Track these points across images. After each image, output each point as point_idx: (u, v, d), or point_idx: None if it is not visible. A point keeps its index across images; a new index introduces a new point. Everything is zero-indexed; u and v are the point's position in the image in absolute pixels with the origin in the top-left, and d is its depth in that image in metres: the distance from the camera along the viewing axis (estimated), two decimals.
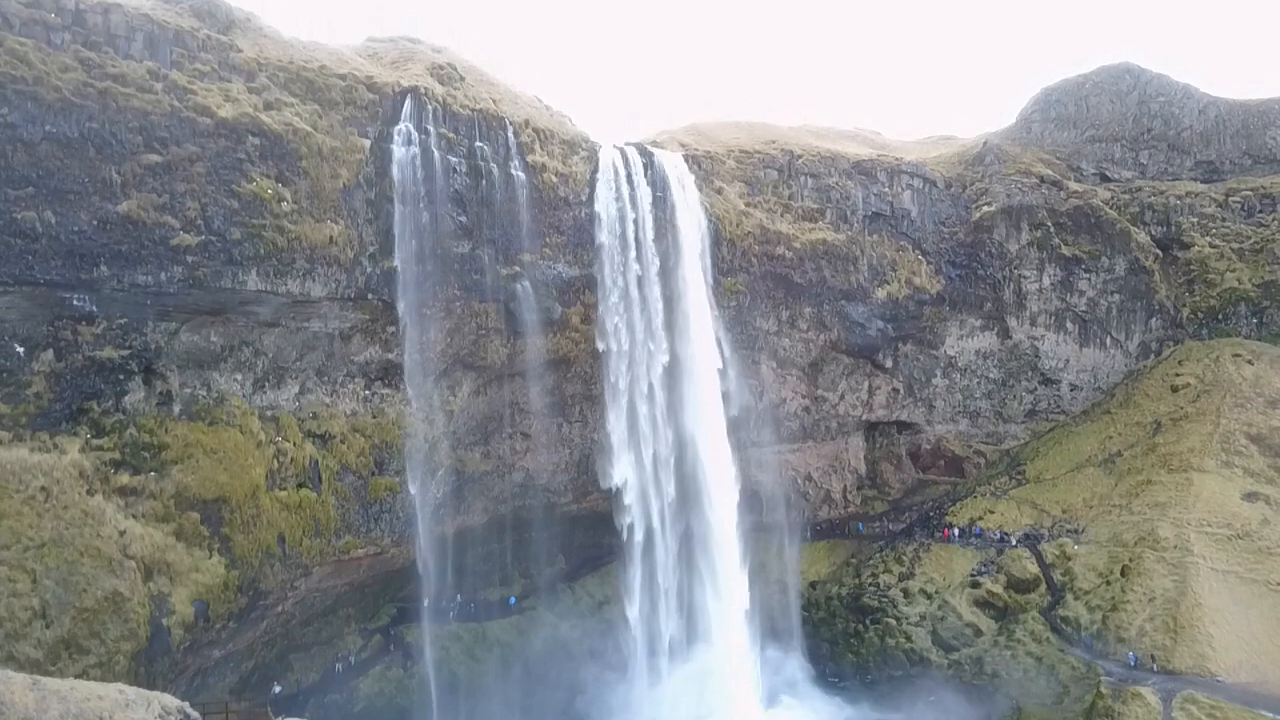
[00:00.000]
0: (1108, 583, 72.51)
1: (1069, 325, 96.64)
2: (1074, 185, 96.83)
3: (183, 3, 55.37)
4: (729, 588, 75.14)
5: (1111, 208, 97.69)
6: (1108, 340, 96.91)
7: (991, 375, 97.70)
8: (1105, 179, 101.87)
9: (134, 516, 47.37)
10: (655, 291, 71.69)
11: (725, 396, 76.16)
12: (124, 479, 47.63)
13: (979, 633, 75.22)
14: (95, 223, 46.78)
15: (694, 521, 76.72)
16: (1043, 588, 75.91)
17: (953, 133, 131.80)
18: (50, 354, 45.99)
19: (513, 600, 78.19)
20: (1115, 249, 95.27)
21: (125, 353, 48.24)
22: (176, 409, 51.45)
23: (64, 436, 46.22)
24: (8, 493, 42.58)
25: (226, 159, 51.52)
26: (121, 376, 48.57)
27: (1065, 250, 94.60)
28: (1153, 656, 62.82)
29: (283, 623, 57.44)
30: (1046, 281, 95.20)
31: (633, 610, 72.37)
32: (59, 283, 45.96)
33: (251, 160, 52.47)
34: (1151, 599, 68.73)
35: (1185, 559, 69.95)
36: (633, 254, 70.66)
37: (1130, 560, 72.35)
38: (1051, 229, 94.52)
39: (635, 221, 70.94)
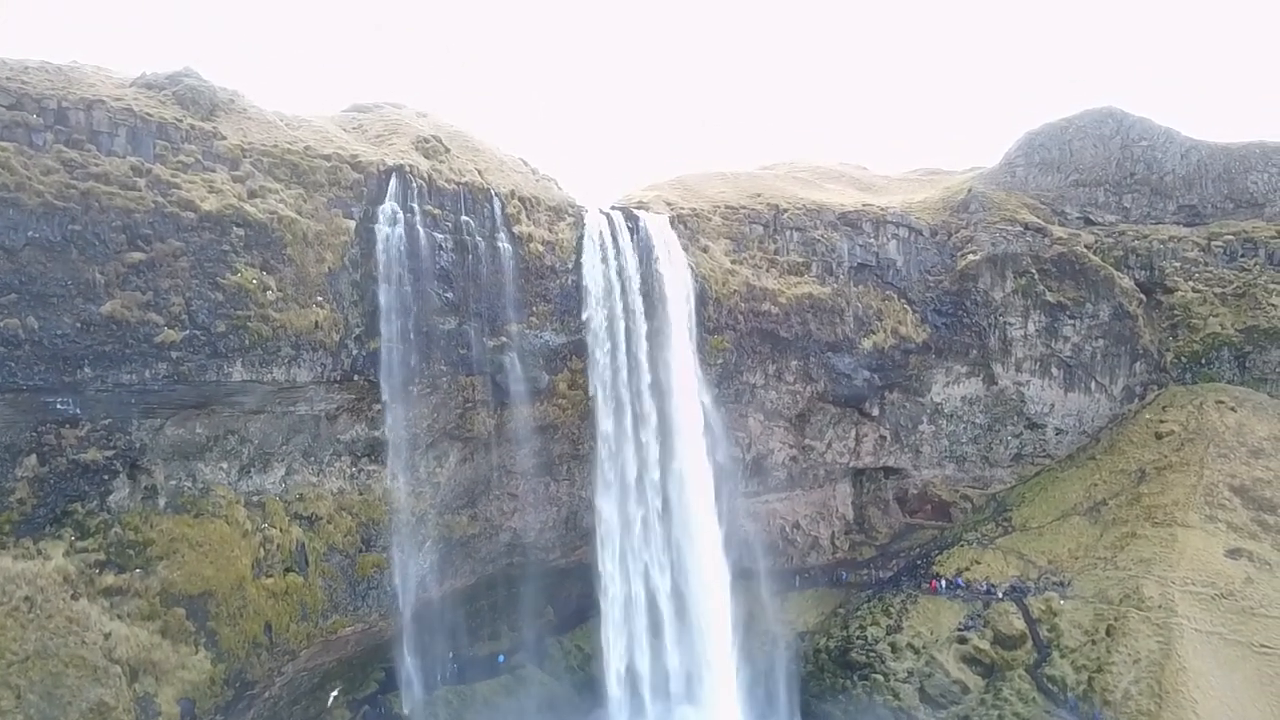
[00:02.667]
0: (1093, 641, 72.93)
1: (1054, 370, 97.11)
2: (1058, 231, 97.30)
3: (166, 89, 55.28)
4: (715, 642, 75.38)
5: (1095, 252, 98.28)
6: (1092, 385, 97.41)
7: (978, 420, 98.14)
8: (1089, 222, 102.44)
9: (119, 617, 47.23)
10: (643, 354, 71.82)
11: (711, 451, 76.25)
12: (109, 579, 47.49)
13: (966, 690, 75.54)
14: (78, 325, 46.72)
15: (678, 575, 76.79)
16: (1029, 644, 76.28)
17: (939, 165, 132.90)
18: (34, 459, 45.92)
19: (501, 658, 78.08)
20: (1099, 295, 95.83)
21: (110, 453, 48.22)
22: (162, 502, 51.38)
23: (48, 541, 46.17)
24: None
25: (210, 252, 51.45)
26: (106, 476, 48.53)
27: (1050, 297, 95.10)
28: None
29: (270, 706, 57.22)
30: (1031, 328, 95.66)
31: (614, 667, 72.54)
32: (42, 387, 45.89)
33: (236, 251, 52.41)
34: (1136, 661, 69.22)
35: (1170, 619, 70.48)
36: (620, 319, 70.87)
37: (1116, 619, 72.84)
38: (1036, 276, 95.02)
39: (622, 287, 71.19)
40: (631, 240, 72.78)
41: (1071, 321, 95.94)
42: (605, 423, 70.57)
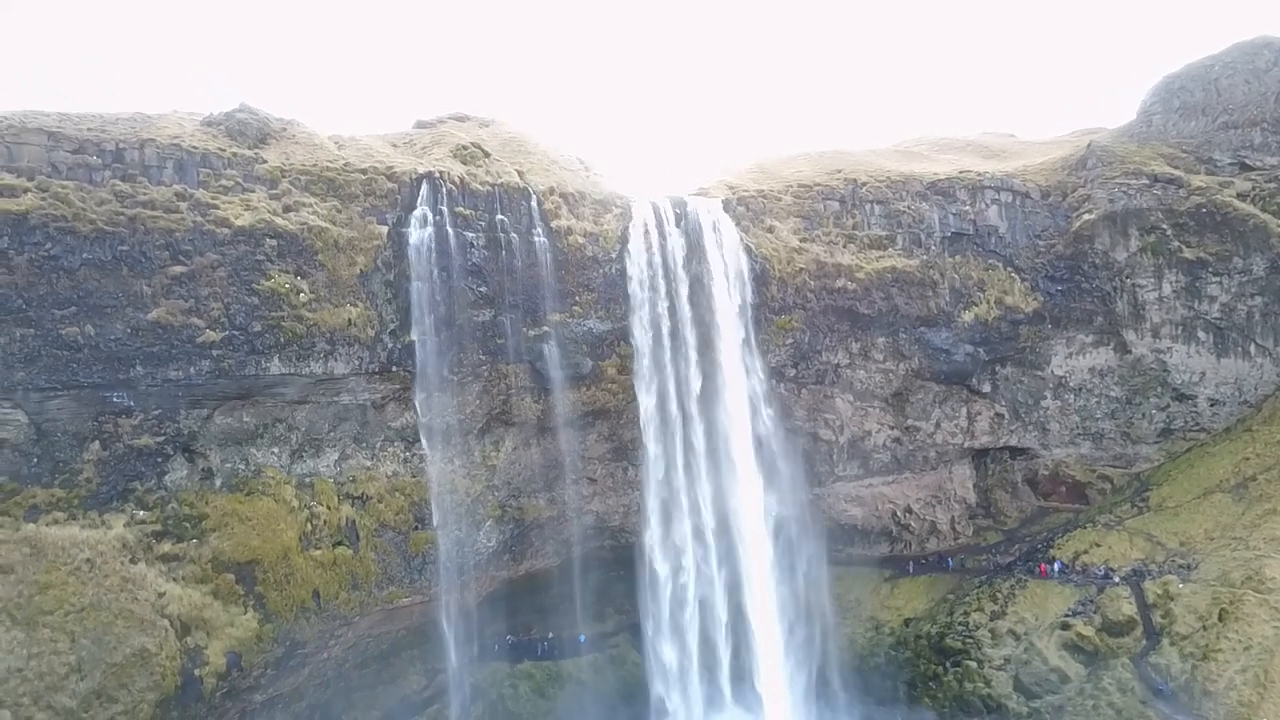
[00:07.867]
0: (1205, 627, 65.76)
1: (1201, 334, 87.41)
2: (1196, 181, 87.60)
3: (220, 125, 63.56)
4: (766, 630, 74.91)
5: (1254, 199, 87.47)
6: (1251, 348, 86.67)
7: (1112, 394, 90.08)
8: (1245, 168, 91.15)
9: (174, 580, 54.95)
10: (689, 340, 72.80)
11: (767, 434, 75.88)
12: (166, 547, 55.25)
13: (1065, 679, 70.10)
14: (129, 330, 54.97)
15: (730, 563, 76.36)
16: (1138, 630, 69.79)
17: (1103, 125, 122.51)
18: (96, 444, 54.49)
19: (582, 638, 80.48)
20: (1250, 247, 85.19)
21: (160, 439, 56.25)
22: (218, 482, 59.12)
23: (111, 514, 54.46)
24: (57, 565, 50.99)
25: (246, 261, 58.67)
26: (159, 459, 56.63)
27: (1187, 253, 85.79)
28: None
29: (334, 666, 63.61)
30: (1167, 289, 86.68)
31: (667, 655, 73.88)
32: (100, 384, 54.40)
33: (270, 259, 59.37)
34: (1247, 647, 61.89)
35: None
36: (664, 304, 72.27)
37: (1231, 603, 65.31)
38: (1168, 231, 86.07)
39: (665, 274, 72.55)
40: (678, 227, 73.99)
41: (1217, 279, 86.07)
42: (647, 410, 72.10)
